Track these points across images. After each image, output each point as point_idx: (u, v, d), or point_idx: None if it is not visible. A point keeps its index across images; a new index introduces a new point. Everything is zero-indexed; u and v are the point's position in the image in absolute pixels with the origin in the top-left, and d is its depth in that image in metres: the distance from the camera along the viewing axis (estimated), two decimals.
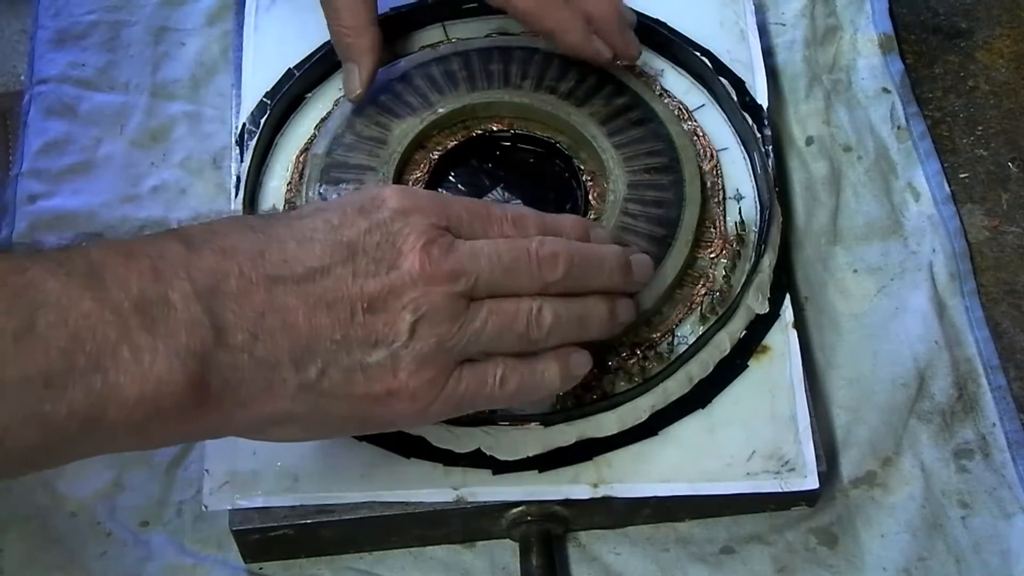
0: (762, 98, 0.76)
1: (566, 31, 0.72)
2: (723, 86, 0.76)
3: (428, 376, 0.56)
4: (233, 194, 0.73)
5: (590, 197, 0.73)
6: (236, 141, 0.75)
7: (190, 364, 0.50)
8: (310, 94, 0.78)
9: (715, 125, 0.76)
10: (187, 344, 0.50)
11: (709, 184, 0.73)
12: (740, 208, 0.73)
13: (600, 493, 0.64)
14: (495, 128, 0.76)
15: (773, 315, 0.69)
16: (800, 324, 0.71)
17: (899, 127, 0.80)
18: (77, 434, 0.49)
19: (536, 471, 0.65)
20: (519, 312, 0.58)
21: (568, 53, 0.74)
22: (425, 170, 0.74)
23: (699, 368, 0.67)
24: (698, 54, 0.77)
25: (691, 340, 0.68)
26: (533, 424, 0.65)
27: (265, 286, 0.53)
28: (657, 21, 0.79)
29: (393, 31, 0.79)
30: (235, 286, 0.52)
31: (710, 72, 0.77)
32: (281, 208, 0.73)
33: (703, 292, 0.69)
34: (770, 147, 0.73)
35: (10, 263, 0.49)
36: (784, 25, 0.85)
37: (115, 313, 0.49)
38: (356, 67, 0.73)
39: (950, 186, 0.78)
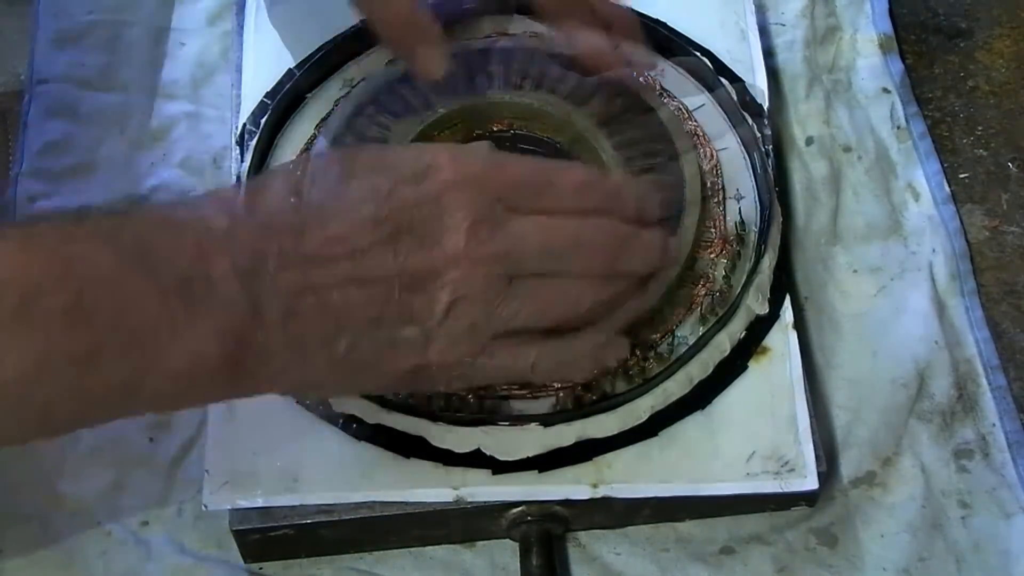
0: (762, 98, 0.76)
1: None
2: (723, 86, 0.76)
3: (458, 354, 0.56)
4: None
5: None
6: (236, 141, 0.75)
7: (226, 342, 0.52)
8: (310, 94, 0.78)
9: (715, 125, 0.76)
10: (224, 323, 0.52)
11: (709, 184, 0.73)
12: (740, 208, 0.73)
13: (600, 493, 0.64)
14: (495, 128, 0.76)
15: (773, 316, 0.69)
16: (800, 324, 0.71)
17: (899, 127, 0.80)
18: (113, 404, 0.51)
19: (536, 471, 0.65)
20: (559, 297, 0.58)
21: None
22: None
23: (699, 369, 0.67)
24: (698, 54, 0.77)
25: (691, 341, 0.68)
26: (533, 424, 0.65)
27: (302, 267, 0.53)
28: (657, 21, 0.79)
29: None
30: (273, 266, 0.53)
31: (710, 72, 0.77)
32: None
33: (703, 293, 0.69)
34: (770, 147, 0.73)
35: (60, 231, 0.51)
36: (784, 25, 0.85)
37: (160, 293, 0.51)
38: (432, 47, 0.71)
39: (950, 186, 0.78)
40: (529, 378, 0.60)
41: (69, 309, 0.49)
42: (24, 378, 0.49)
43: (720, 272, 0.70)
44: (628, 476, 0.65)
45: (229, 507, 0.64)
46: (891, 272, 0.75)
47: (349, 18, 0.78)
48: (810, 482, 0.64)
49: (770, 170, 0.73)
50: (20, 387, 0.49)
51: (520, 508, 0.65)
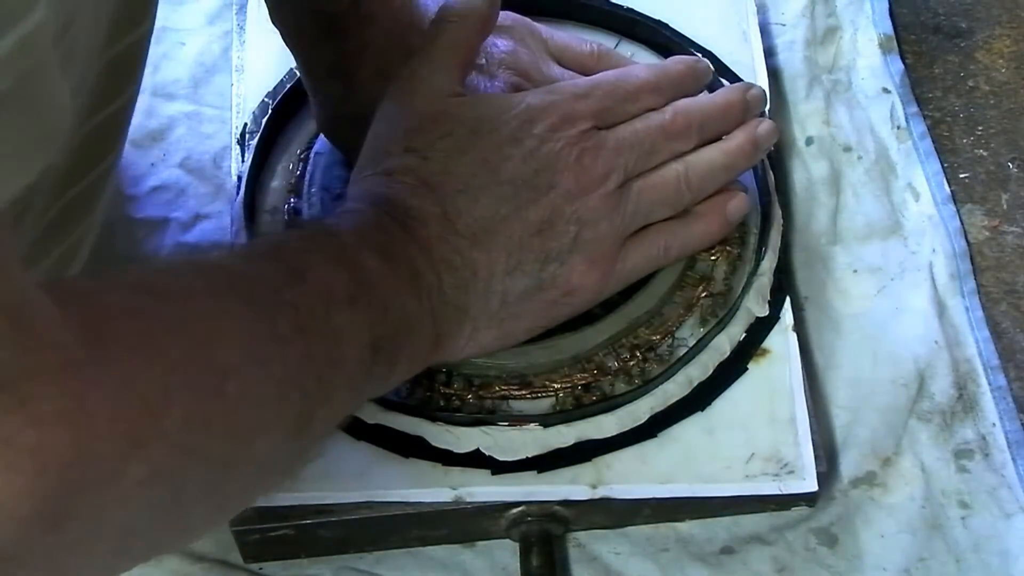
0: None
1: None
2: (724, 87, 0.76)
3: (599, 270, 0.63)
4: (234, 194, 0.73)
5: None
6: (237, 141, 0.75)
7: (435, 327, 0.60)
8: None
9: None
10: (431, 308, 0.59)
11: None
12: None
13: (599, 494, 0.64)
14: None
15: (773, 318, 0.69)
16: (800, 324, 0.71)
17: (899, 127, 0.80)
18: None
19: (535, 471, 0.65)
20: (667, 182, 0.65)
21: None
22: None
23: (699, 370, 0.67)
24: (700, 55, 0.77)
25: (691, 342, 0.68)
26: (533, 424, 0.65)
27: (454, 247, 0.60)
28: (659, 22, 0.79)
29: None
30: (439, 255, 0.60)
31: (711, 73, 0.77)
32: (282, 209, 0.73)
33: (703, 294, 0.69)
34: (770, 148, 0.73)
35: (339, 240, 0.57)
36: (784, 25, 0.84)
37: (416, 298, 0.58)
38: None
39: (950, 186, 0.78)
40: (665, 262, 0.67)
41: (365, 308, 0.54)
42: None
43: (720, 274, 0.70)
44: (627, 477, 0.65)
45: None
46: (891, 272, 0.75)
47: None
48: (809, 484, 0.64)
49: (770, 172, 0.73)
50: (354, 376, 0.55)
51: (520, 508, 0.65)
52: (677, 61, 0.69)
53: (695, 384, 0.67)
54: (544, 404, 0.66)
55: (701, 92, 0.69)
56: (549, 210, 0.61)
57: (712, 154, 0.66)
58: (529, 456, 0.65)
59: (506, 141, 0.61)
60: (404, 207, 0.60)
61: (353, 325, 0.53)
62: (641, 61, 0.78)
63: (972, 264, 0.75)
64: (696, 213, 0.67)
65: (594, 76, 0.67)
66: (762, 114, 0.74)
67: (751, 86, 0.70)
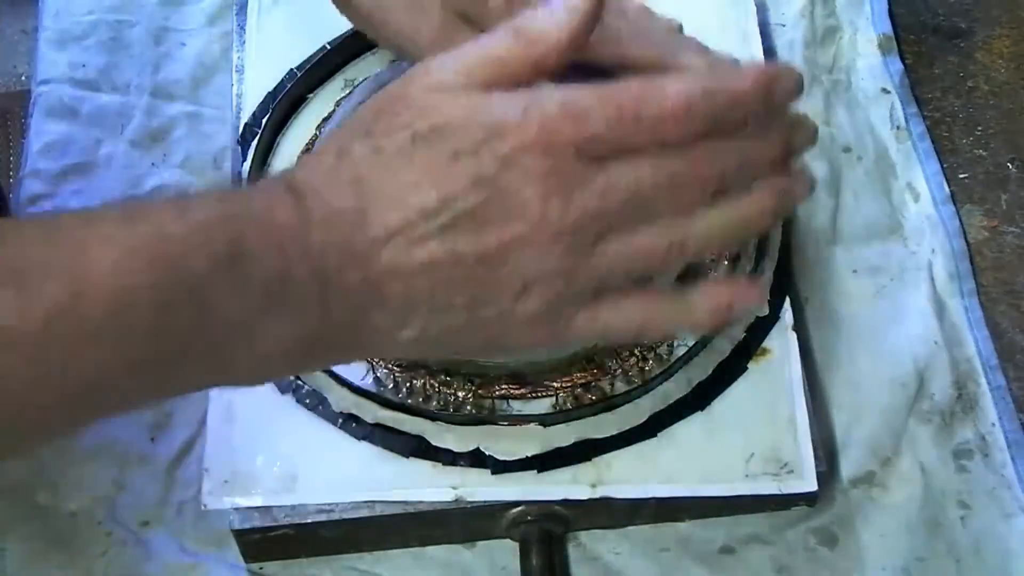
0: None
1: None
2: None
3: (543, 334, 0.51)
4: None
5: None
6: (238, 141, 0.75)
7: (301, 334, 0.49)
8: (312, 94, 0.78)
9: None
10: (300, 325, 0.49)
11: None
12: None
13: (599, 494, 0.64)
14: None
15: (773, 318, 0.69)
16: (800, 324, 0.71)
17: (899, 127, 0.80)
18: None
19: (535, 471, 0.65)
20: (656, 251, 0.50)
21: None
22: None
23: (699, 370, 0.67)
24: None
25: (691, 342, 0.68)
26: (533, 424, 0.65)
27: (361, 264, 0.49)
28: None
29: None
30: (333, 261, 0.49)
31: None
32: None
33: None
34: None
35: (159, 231, 0.47)
36: (784, 26, 0.85)
37: (243, 299, 0.48)
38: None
39: (950, 186, 0.78)
40: (640, 339, 0.56)
41: (156, 317, 0.46)
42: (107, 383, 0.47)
43: (720, 273, 0.70)
44: (627, 476, 0.65)
45: (228, 506, 0.64)
46: (891, 272, 0.75)
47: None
48: (809, 484, 0.64)
49: None
50: (99, 391, 0.47)
51: (520, 508, 0.65)
52: (747, 71, 0.51)
53: (695, 384, 0.67)
54: (544, 404, 0.66)
55: (780, 115, 0.52)
56: (491, 250, 0.49)
57: (725, 219, 0.51)
58: (529, 456, 0.65)
59: (464, 152, 0.49)
60: (324, 205, 0.49)
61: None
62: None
63: (971, 264, 0.75)
64: (692, 290, 0.53)
65: (610, 86, 0.50)
66: None
67: (806, 122, 0.54)
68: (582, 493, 0.64)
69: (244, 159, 0.73)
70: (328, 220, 0.49)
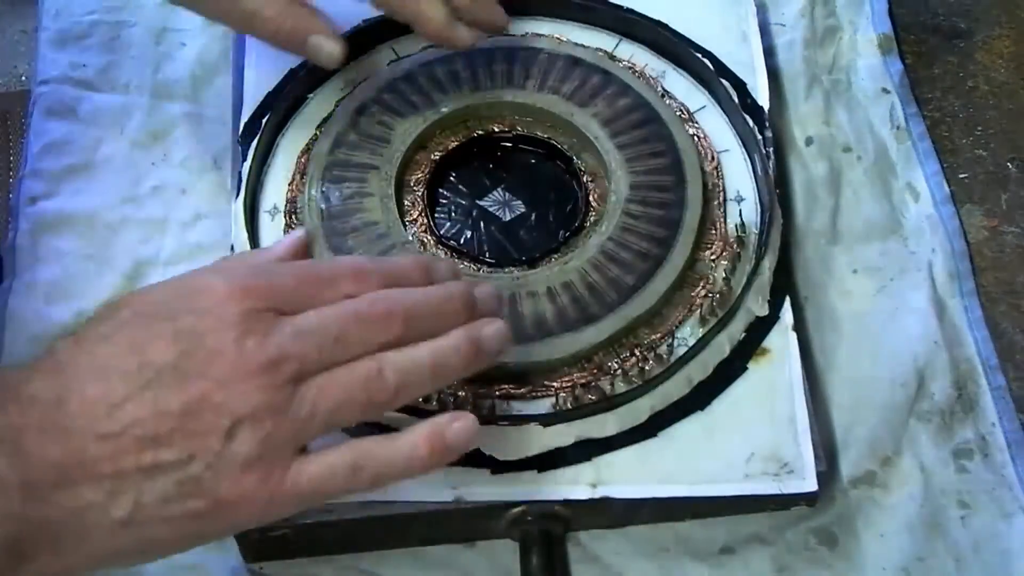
0: (763, 100, 0.76)
1: (424, 22, 0.71)
2: (724, 88, 0.76)
3: (259, 480, 0.52)
4: (234, 194, 0.73)
5: (591, 198, 0.73)
6: (238, 141, 0.75)
7: (4, 526, 0.49)
8: (312, 95, 0.78)
9: (716, 127, 0.76)
10: (4, 508, 0.49)
11: (710, 186, 0.73)
12: (740, 210, 0.73)
13: (598, 494, 0.64)
14: (497, 128, 0.76)
15: (773, 317, 0.69)
16: (800, 324, 0.71)
17: (898, 127, 0.80)
18: None
19: (535, 471, 0.65)
20: (355, 381, 0.53)
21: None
22: (426, 170, 0.74)
23: (699, 370, 0.67)
24: (700, 56, 0.78)
25: (691, 342, 0.68)
26: (532, 424, 0.65)
27: (63, 439, 0.50)
28: (659, 23, 0.79)
29: (396, 31, 0.79)
30: (33, 442, 0.50)
31: (711, 74, 0.77)
32: (282, 208, 0.73)
33: (703, 294, 0.69)
34: (771, 149, 0.73)
35: None
36: (784, 26, 0.85)
37: None
38: (319, 35, 0.69)
39: (949, 186, 0.78)
40: (359, 485, 0.55)
41: None
42: None
43: (720, 273, 0.70)
44: (627, 476, 0.65)
45: None
46: (891, 272, 0.75)
47: (350, 18, 0.78)
48: (809, 484, 0.64)
49: (771, 172, 0.73)
50: None
51: (520, 508, 0.65)
52: (404, 260, 0.59)
53: (695, 383, 0.67)
54: (544, 404, 0.66)
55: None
56: (195, 397, 0.51)
57: (419, 352, 0.55)
58: (529, 456, 0.65)
59: (161, 318, 0.52)
60: (22, 393, 0.51)
61: None
62: (641, 62, 0.79)
63: (971, 264, 0.75)
64: (406, 430, 0.55)
65: (301, 263, 0.59)
66: (761, 119, 0.74)
67: (479, 284, 0.60)
68: (582, 493, 0.64)
69: (244, 159, 0.74)
70: (24, 401, 0.50)
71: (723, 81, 0.76)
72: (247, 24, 0.70)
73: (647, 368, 0.67)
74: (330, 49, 0.70)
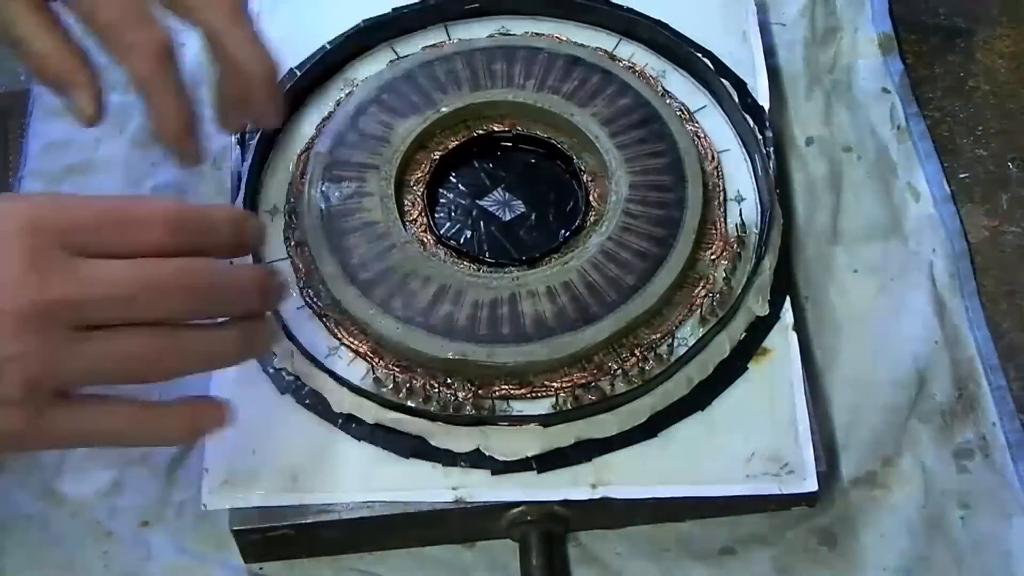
0: (763, 100, 0.76)
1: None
2: (725, 87, 0.76)
3: (21, 420, 0.50)
4: (234, 194, 0.73)
5: (591, 198, 0.73)
6: (238, 140, 0.75)
7: None
8: (312, 94, 0.78)
9: (716, 126, 0.76)
10: None
11: (710, 185, 0.73)
12: (741, 210, 0.73)
13: (598, 494, 0.64)
14: (496, 128, 0.76)
15: (773, 317, 0.69)
16: (800, 324, 0.71)
17: (899, 127, 0.80)
18: None
19: (535, 471, 0.65)
20: (133, 351, 0.51)
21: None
22: (426, 170, 0.74)
23: (699, 370, 0.67)
24: (700, 55, 0.78)
25: (691, 342, 0.68)
26: (532, 424, 0.65)
27: None
28: (659, 22, 0.79)
29: (396, 31, 0.79)
30: None
31: (712, 73, 0.77)
32: (282, 208, 0.73)
33: (703, 294, 0.69)
34: (771, 149, 0.73)
35: None
36: (784, 25, 0.85)
37: None
38: (80, 89, 0.60)
39: (950, 186, 0.78)
40: (121, 446, 0.54)
41: None
42: None
43: (720, 273, 0.70)
44: (627, 476, 0.65)
45: (228, 506, 0.64)
46: (891, 272, 0.75)
47: (350, 18, 0.78)
48: (809, 484, 0.64)
49: (771, 172, 0.73)
50: None
51: (520, 508, 0.65)
52: (226, 212, 0.56)
53: (695, 383, 0.67)
54: (544, 404, 0.66)
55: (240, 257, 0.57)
56: None
57: (199, 340, 0.53)
58: (529, 456, 0.65)
59: None
60: None
61: None
62: (641, 62, 0.79)
63: (972, 264, 0.75)
64: (168, 406, 0.54)
65: (106, 196, 0.56)
66: (761, 119, 0.74)
67: (276, 273, 0.58)
68: (582, 493, 0.64)
69: (244, 159, 0.73)
70: None
71: (723, 81, 0.76)
72: (15, 49, 0.63)
73: (647, 368, 0.67)
74: (81, 109, 0.60)
